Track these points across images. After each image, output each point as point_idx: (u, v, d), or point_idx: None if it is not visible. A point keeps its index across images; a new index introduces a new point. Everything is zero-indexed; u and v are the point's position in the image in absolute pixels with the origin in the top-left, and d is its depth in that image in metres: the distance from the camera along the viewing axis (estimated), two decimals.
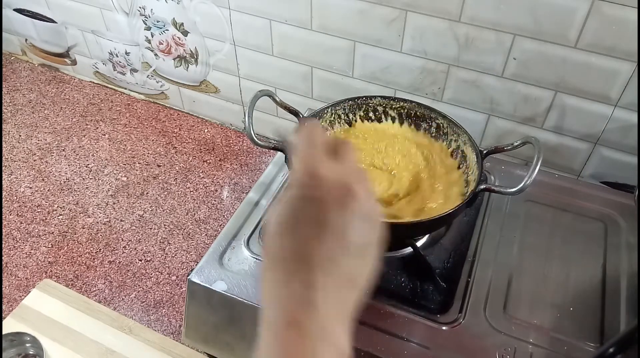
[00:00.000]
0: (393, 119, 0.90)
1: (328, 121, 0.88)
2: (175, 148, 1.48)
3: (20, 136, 1.52)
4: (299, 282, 0.31)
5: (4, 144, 1.48)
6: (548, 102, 1.02)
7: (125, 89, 1.65)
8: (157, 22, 1.35)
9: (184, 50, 1.38)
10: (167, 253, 1.22)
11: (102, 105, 1.62)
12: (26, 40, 1.70)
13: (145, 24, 1.38)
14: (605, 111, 0.98)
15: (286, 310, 0.31)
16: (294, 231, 0.32)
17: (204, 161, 1.44)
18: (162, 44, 1.40)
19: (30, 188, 1.37)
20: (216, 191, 1.37)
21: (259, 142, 0.75)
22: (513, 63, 0.99)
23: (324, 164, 0.33)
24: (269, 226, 0.33)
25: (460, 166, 0.83)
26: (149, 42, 1.43)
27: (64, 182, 1.38)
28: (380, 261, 0.33)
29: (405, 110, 0.89)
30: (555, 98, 1.00)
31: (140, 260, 1.21)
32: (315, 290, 0.30)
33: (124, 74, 1.59)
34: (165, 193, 1.36)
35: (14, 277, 1.17)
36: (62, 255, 1.22)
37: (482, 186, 0.73)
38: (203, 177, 1.40)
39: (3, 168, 1.41)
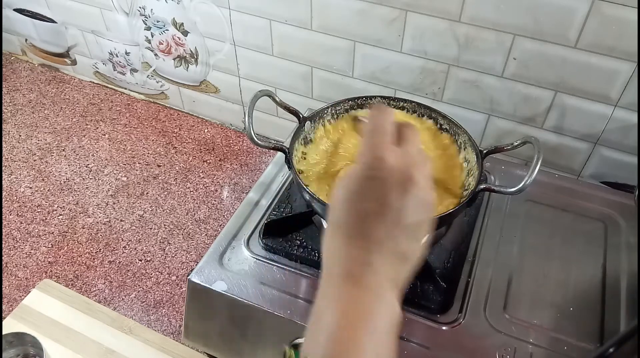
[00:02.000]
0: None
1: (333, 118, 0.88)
2: (175, 148, 1.48)
3: (20, 136, 1.52)
4: (359, 248, 0.35)
5: (4, 144, 1.48)
6: (548, 102, 1.02)
7: (125, 89, 1.65)
8: (157, 22, 1.35)
9: (184, 50, 1.38)
10: (167, 253, 1.22)
11: (102, 105, 1.62)
12: (26, 40, 1.70)
13: (145, 24, 1.38)
14: (605, 111, 0.98)
15: (346, 267, 0.35)
16: (359, 204, 0.36)
17: (204, 161, 1.44)
18: (162, 44, 1.40)
19: (30, 188, 1.37)
20: (216, 191, 1.37)
21: (259, 142, 0.75)
22: (513, 63, 0.99)
23: (390, 150, 0.37)
24: (336, 195, 0.37)
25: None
26: (149, 42, 1.43)
27: (64, 182, 1.38)
28: (429, 241, 0.38)
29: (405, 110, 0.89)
30: (555, 98, 1.00)
31: (140, 260, 1.21)
32: (372, 255, 0.34)
33: (124, 74, 1.59)
34: (165, 193, 1.36)
35: (14, 277, 1.17)
36: (62, 255, 1.22)
37: (482, 186, 0.73)
38: (203, 177, 1.40)
39: (3, 168, 1.41)
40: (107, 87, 1.68)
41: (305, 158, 0.82)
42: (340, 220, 0.36)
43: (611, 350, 0.55)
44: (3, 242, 1.23)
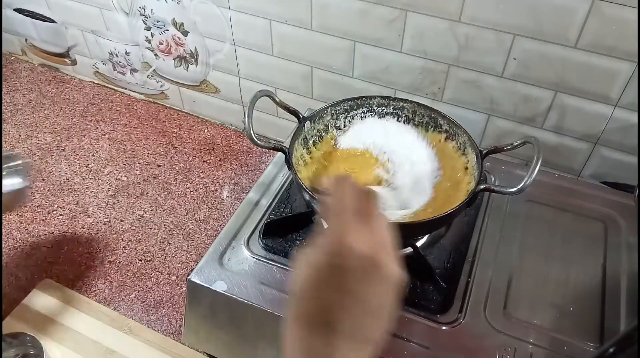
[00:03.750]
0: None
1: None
2: (175, 148, 1.48)
3: (20, 136, 1.52)
4: (322, 340, 0.33)
5: (4, 144, 1.48)
6: (548, 102, 1.02)
7: (125, 89, 1.65)
8: (157, 22, 1.35)
9: (184, 50, 1.38)
10: (167, 253, 1.22)
11: (102, 105, 1.62)
12: (26, 40, 1.70)
13: (145, 24, 1.38)
14: (605, 111, 0.98)
15: None
16: (322, 295, 0.34)
17: (204, 161, 1.44)
18: (162, 44, 1.40)
19: (30, 188, 1.37)
20: (216, 191, 1.37)
21: (259, 142, 0.75)
22: (513, 63, 0.99)
23: (355, 235, 0.35)
24: (297, 283, 0.35)
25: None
26: (149, 42, 1.43)
27: (64, 182, 1.38)
28: (395, 319, 0.36)
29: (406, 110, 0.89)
30: (555, 98, 1.00)
31: (140, 260, 1.21)
32: (336, 350, 0.33)
33: (124, 74, 1.59)
34: (165, 193, 1.36)
35: (13, 277, 1.17)
36: (62, 255, 1.22)
37: (482, 186, 0.73)
38: (203, 177, 1.40)
39: None
40: (107, 87, 1.68)
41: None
42: (301, 310, 0.35)
43: (611, 350, 0.55)
44: (3, 242, 1.23)
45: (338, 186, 0.39)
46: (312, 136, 0.86)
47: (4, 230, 1.26)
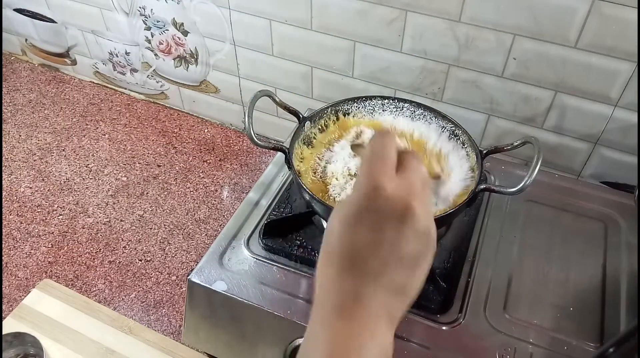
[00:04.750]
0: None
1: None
2: (175, 148, 1.48)
3: (20, 136, 1.52)
4: (351, 280, 0.33)
5: (4, 144, 1.48)
6: (548, 102, 1.02)
7: (125, 89, 1.65)
8: (157, 22, 1.35)
9: (184, 50, 1.38)
10: (167, 253, 1.22)
11: (102, 105, 1.62)
12: (26, 40, 1.70)
13: (145, 24, 1.38)
14: (605, 111, 0.98)
15: (337, 302, 0.33)
16: (353, 235, 0.34)
17: (204, 161, 1.44)
18: (162, 44, 1.40)
19: (30, 188, 1.37)
20: (216, 191, 1.37)
21: (259, 142, 0.75)
22: (513, 63, 0.99)
23: (389, 178, 0.35)
24: (331, 223, 0.36)
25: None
26: (149, 42, 1.43)
27: (64, 182, 1.38)
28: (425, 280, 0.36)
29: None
30: (555, 98, 1.00)
31: (140, 260, 1.21)
32: (365, 289, 0.33)
33: (124, 74, 1.59)
34: (165, 193, 1.36)
35: (14, 277, 1.17)
36: (62, 255, 1.22)
37: (482, 186, 0.73)
38: (203, 177, 1.40)
39: (3, 168, 1.41)
40: (107, 87, 1.68)
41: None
42: (333, 250, 0.35)
43: (611, 350, 0.55)
44: (3, 242, 1.23)
45: (380, 137, 0.39)
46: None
47: (4, 230, 1.26)
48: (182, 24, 1.31)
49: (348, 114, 0.89)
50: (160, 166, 1.43)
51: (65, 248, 1.23)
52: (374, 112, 0.90)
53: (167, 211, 1.31)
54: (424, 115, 0.87)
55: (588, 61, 0.92)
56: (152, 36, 1.40)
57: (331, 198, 0.77)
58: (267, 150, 1.04)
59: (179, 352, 0.92)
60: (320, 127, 0.86)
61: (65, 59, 1.68)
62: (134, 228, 1.27)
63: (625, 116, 0.96)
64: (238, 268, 0.80)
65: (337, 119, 0.88)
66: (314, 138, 0.85)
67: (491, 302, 0.76)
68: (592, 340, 0.72)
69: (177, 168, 1.42)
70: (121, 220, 1.29)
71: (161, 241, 1.25)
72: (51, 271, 1.18)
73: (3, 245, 1.23)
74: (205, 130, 1.53)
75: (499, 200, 0.91)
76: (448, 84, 1.08)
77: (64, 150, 1.47)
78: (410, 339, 0.72)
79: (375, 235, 0.34)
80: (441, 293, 0.77)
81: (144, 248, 1.23)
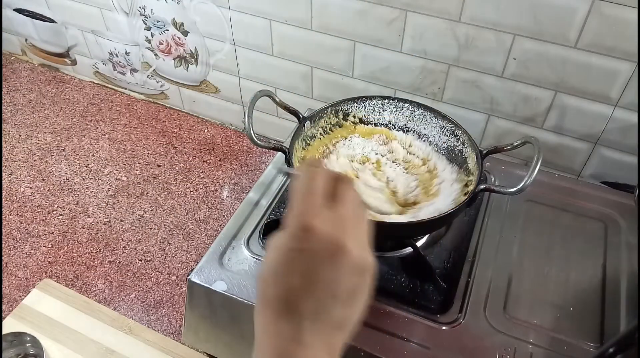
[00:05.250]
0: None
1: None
2: (175, 148, 1.48)
3: (20, 136, 1.52)
4: (289, 324, 0.33)
5: (4, 144, 1.48)
6: (548, 102, 1.02)
7: (125, 89, 1.65)
8: (157, 22, 1.35)
9: (184, 50, 1.38)
10: (167, 253, 1.22)
11: (102, 105, 1.62)
12: (26, 40, 1.70)
13: (145, 24, 1.38)
14: (605, 111, 0.98)
15: (278, 347, 0.33)
16: (286, 279, 0.33)
17: (204, 161, 1.44)
18: (162, 44, 1.40)
19: (30, 188, 1.37)
20: (216, 191, 1.37)
21: (259, 142, 0.75)
22: (513, 63, 0.99)
23: (319, 216, 0.34)
24: (263, 267, 0.35)
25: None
26: (149, 42, 1.43)
27: (64, 182, 1.38)
28: (367, 308, 0.35)
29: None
30: (555, 98, 1.00)
31: (140, 260, 1.21)
32: (304, 331, 0.32)
33: (124, 74, 1.59)
34: (165, 193, 1.36)
35: (14, 277, 1.17)
36: (62, 255, 1.22)
37: (482, 186, 0.73)
38: (203, 177, 1.40)
39: (3, 168, 1.41)
40: (107, 87, 1.68)
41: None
42: (268, 295, 0.34)
43: (611, 350, 0.55)
44: (3, 242, 1.23)
45: (308, 168, 0.37)
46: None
47: (4, 230, 1.26)
48: (182, 24, 1.31)
49: (348, 114, 0.89)
50: (160, 166, 1.43)
51: (65, 248, 1.23)
52: (373, 112, 0.90)
53: (167, 211, 1.31)
54: (424, 115, 0.87)
55: (588, 61, 0.92)
56: (152, 36, 1.40)
57: None
58: (267, 150, 1.04)
59: (179, 352, 0.92)
60: (323, 128, 0.87)
61: (65, 59, 1.68)
62: (134, 228, 1.27)
63: (625, 116, 0.96)
64: (238, 268, 0.80)
65: (340, 125, 0.89)
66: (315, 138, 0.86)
67: (491, 302, 0.76)
68: (592, 340, 0.72)
69: (177, 168, 1.42)
70: (121, 220, 1.29)
71: (161, 241, 1.25)
72: (51, 271, 1.18)
73: (3, 245, 1.23)
74: (205, 130, 1.53)
75: (499, 200, 0.91)
76: (448, 84, 1.08)
77: (64, 150, 1.47)
78: (410, 339, 0.72)
79: (308, 277, 0.33)
80: (441, 293, 0.77)
81: (144, 248, 1.23)
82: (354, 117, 0.89)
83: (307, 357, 0.32)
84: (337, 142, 0.87)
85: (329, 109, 0.87)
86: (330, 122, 0.88)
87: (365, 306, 0.35)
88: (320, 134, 0.87)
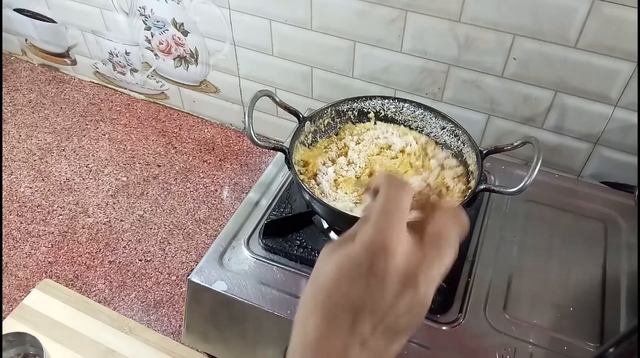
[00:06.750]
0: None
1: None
2: (175, 148, 1.48)
3: (20, 136, 1.52)
4: (339, 336, 0.32)
5: (4, 144, 1.48)
6: (548, 102, 1.02)
7: (125, 89, 1.65)
8: (157, 22, 1.35)
9: (184, 50, 1.38)
10: (167, 253, 1.22)
11: (102, 105, 1.62)
12: (26, 40, 1.70)
13: (145, 24, 1.38)
14: (605, 111, 0.98)
15: (321, 351, 0.32)
16: (349, 292, 0.32)
17: (204, 161, 1.44)
18: (162, 44, 1.40)
19: (30, 188, 1.37)
20: (216, 191, 1.37)
21: (259, 142, 0.75)
22: (513, 63, 0.99)
23: (401, 240, 0.32)
24: (325, 268, 0.33)
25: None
26: (149, 42, 1.43)
27: (64, 182, 1.38)
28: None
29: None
30: (555, 98, 1.00)
31: (140, 260, 1.21)
32: (351, 349, 0.31)
33: (124, 74, 1.59)
34: (165, 193, 1.36)
35: (14, 277, 1.17)
36: (62, 255, 1.22)
37: (482, 186, 0.73)
38: (203, 177, 1.40)
39: (3, 168, 1.41)
40: (107, 87, 1.68)
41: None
42: (325, 298, 0.33)
43: (611, 350, 0.55)
44: (3, 242, 1.23)
45: (393, 186, 0.35)
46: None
47: (4, 230, 1.26)
48: (182, 24, 1.31)
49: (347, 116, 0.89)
50: (160, 166, 1.43)
51: (65, 248, 1.23)
52: (374, 112, 0.90)
53: (167, 211, 1.31)
54: (424, 115, 0.88)
55: (588, 61, 0.92)
56: (152, 36, 1.40)
57: (331, 198, 0.77)
58: (267, 150, 1.04)
59: (179, 352, 0.92)
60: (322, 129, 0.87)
61: (65, 59, 1.68)
62: (134, 228, 1.27)
63: (625, 116, 0.96)
64: (238, 268, 0.80)
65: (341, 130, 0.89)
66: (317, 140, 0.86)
67: (491, 302, 0.76)
68: (592, 340, 0.72)
69: (177, 168, 1.42)
70: (121, 220, 1.29)
71: (161, 241, 1.25)
72: (51, 271, 1.19)
73: (3, 245, 1.23)
74: (205, 130, 1.53)
75: (499, 200, 0.91)
76: (448, 84, 1.08)
77: (64, 150, 1.47)
78: (410, 339, 0.72)
79: (373, 302, 0.32)
80: (441, 293, 0.77)
81: (144, 248, 1.23)
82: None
83: None
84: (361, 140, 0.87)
85: (329, 109, 0.87)
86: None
87: (405, 341, 0.34)
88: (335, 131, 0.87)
